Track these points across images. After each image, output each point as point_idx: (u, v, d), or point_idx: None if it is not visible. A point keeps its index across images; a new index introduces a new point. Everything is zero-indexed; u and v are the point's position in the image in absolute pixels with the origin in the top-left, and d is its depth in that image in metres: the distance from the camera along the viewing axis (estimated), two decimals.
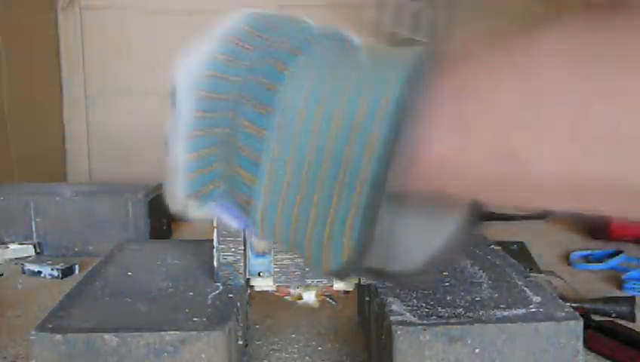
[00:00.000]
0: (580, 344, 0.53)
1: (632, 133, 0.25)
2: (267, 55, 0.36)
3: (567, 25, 0.28)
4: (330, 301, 0.67)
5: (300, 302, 0.74)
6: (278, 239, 0.36)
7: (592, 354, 0.70)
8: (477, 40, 0.31)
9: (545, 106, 0.26)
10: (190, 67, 0.38)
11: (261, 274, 0.64)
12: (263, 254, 0.64)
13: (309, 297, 0.67)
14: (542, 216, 1.36)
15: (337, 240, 0.32)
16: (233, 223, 0.40)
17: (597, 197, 0.27)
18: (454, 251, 0.35)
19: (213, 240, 0.64)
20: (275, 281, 0.64)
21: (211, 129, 0.37)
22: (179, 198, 0.40)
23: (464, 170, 0.29)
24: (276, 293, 0.66)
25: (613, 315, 0.79)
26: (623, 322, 0.77)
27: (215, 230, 0.63)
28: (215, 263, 0.64)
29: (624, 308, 0.80)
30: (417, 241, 0.34)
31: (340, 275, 0.34)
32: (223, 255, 0.64)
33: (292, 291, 0.66)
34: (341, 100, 0.31)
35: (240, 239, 0.63)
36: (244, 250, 0.64)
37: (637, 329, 0.75)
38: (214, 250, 0.64)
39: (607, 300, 0.82)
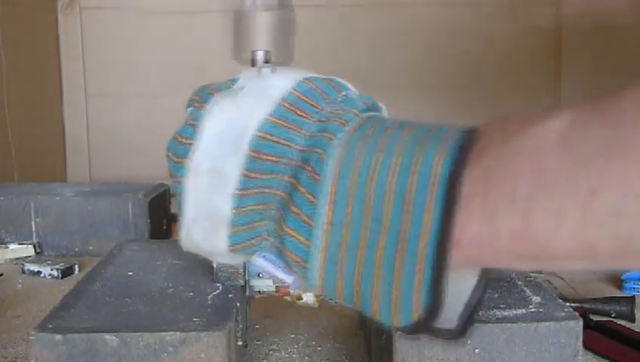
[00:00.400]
0: (580, 344, 0.54)
1: (636, 210, 0.29)
2: (323, 127, 0.38)
3: (567, 112, 0.32)
4: (331, 301, 0.67)
5: (299, 302, 0.74)
6: (339, 298, 0.38)
7: (591, 354, 0.70)
8: (493, 124, 0.34)
9: (557, 191, 0.30)
10: (232, 118, 0.39)
11: (260, 275, 0.64)
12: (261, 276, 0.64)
13: (309, 297, 0.66)
14: None
15: (406, 300, 0.34)
16: (279, 273, 0.42)
17: (610, 259, 0.31)
18: (479, 304, 0.37)
19: None
20: (274, 282, 0.64)
21: (261, 189, 0.38)
22: (220, 248, 0.40)
23: (493, 250, 0.32)
24: (275, 294, 0.66)
25: (612, 315, 0.79)
26: (622, 322, 0.77)
27: None
28: (214, 264, 0.64)
29: (624, 308, 0.80)
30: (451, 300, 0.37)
31: (411, 332, 0.36)
32: None
33: (292, 291, 0.66)
34: (392, 172, 0.34)
35: None
36: None
37: (636, 329, 0.75)
38: None
39: (607, 300, 0.82)
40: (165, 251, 0.75)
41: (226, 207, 0.39)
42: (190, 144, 0.40)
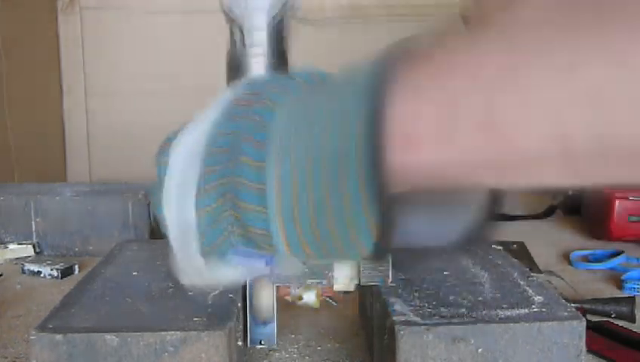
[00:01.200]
0: (583, 344, 0.53)
1: (619, 93, 0.25)
2: (259, 99, 0.39)
3: None
4: (331, 302, 0.67)
5: (300, 302, 0.74)
6: (308, 252, 0.37)
7: (590, 354, 0.70)
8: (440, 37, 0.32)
9: (530, 70, 0.26)
10: (188, 139, 0.40)
11: (262, 342, 0.62)
12: (264, 322, 0.62)
13: (310, 297, 0.66)
14: (542, 215, 1.36)
15: (362, 226, 0.34)
16: (258, 265, 0.41)
17: (587, 163, 0.27)
18: (473, 237, 0.37)
19: None
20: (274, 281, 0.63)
21: (217, 181, 0.38)
22: (196, 263, 0.41)
23: (456, 152, 0.29)
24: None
25: (612, 315, 0.79)
26: (621, 323, 0.77)
27: None
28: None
29: (624, 308, 0.80)
30: (433, 230, 0.36)
31: (379, 256, 0.36)
32: None
33: (292, 291, 0.65)
34: (326, 116, 0.34)
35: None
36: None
37: (635, 330, 0.75)
38: None
39: (607, 300, 0.81)
40: (165, 251, 0.75)
41: (191, 214, 0.39)
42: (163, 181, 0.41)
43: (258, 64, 0.55)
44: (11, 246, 1.06)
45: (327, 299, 0.66)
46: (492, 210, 0.37)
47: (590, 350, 0.70)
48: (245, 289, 0.61)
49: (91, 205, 1.08)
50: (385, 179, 0.31)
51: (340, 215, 0.34)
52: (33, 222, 1.08)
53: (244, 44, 0.56)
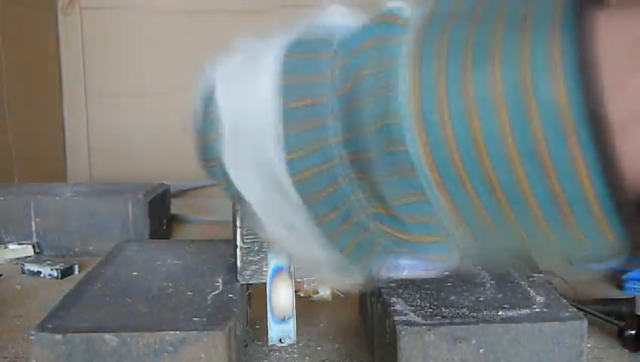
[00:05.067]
0: (584, 344, 0.53)
1: None
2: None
3: None
4: (339, 294, 0.67)
5: (315, 296, 0.73)
6: (484, 245, 0.30)
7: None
8: None
9: None
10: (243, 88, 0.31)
11: (282, 340, 0.62)
12: (284, 319, 0.62)
13: (325, 292, 0.66)
14: None
15: (594, 232, 0.28)
16: (419, 271, 0.34)
17: None
18: None
19: (236, 239, 0.62)
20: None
21: (319, 166, 0.30)
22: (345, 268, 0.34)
23: None
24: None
25: (613, 316, 0.79)
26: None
27: (238, 229, 0.62)
28: (239, 263, 0.63)
29: (624, 309, 0.80)
30: None
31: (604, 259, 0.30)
32: (247, 254, 0.62)
33: (306, 286, 0.65)
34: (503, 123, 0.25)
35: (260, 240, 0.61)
36: (266, 250, 0.62)
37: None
38: (237, 250, 0.62)
39: (607, 301, 0.81)
40: (165, 251, 0.75)
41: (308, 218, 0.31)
42: (218, 138, 0.33)
43: None
44: (11, 246, 1.06)
45: (336, 291, 0.66)
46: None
47: None
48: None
49: (91, 205, 1.08)
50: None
51: (560, 227, 0.27)
52: (33, 222, 1.08)
53: None
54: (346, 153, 0.29)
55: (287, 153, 0.30)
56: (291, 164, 0.30)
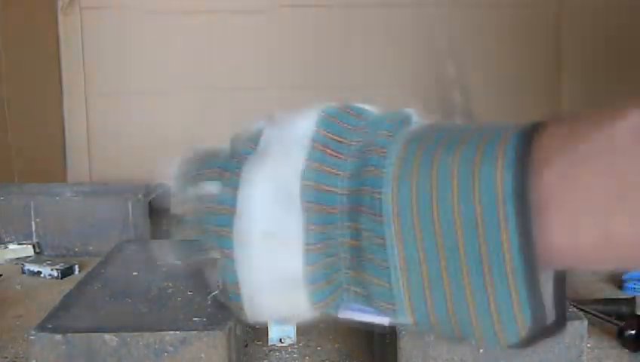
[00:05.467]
0: (584, 344, 0.53)
1: None
2: (362, 162, 0.36)
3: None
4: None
5: None
6: (437, 332, 0.36)
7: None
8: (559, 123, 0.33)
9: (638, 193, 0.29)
10: (271, 176, 0.37)
11: (282, 340, 0.62)
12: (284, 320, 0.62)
13: None
14: None
15: (509, 321, 0.33)
16: (372, 318, 0.39)
17: None
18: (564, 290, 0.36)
19: None
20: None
21: (327, 241, 0.36)
22: (302, 309, 0.38)
23: (575, 258, 0.32)
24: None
25: (613, 316, 0.79)
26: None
27: None
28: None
29: (624, 309, 0.80)
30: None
31: (523, 346, 0.35)
32: None
33: None
34: (453, 197, 0.33)
35: None
36: None
37: None
38: None
39: (608, 301, 0.81)
40: (165, 251, 0.75)
41: (297, 266, 0.36)
42: (230, 212, 0.38)
43: None
44: (11, 246, 1.06)
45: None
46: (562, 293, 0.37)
47: None
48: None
49: (91, 205, 1.08)
50: (538, 262, 0.31)
51: (485, 311, 0.33)
52: (33, 222, 1.08)
53: None
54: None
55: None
56: (307, 258, 0.37)
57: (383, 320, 0.38)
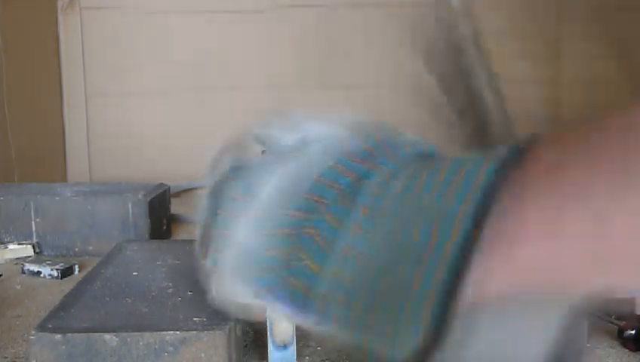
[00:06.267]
0: (585, 344, 0.53)
1: None
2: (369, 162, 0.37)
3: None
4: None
5: None
6: (335, 324, 0.35)
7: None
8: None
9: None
10: (296, 168, 0.38)
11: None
12: (284, 346, 0.61)
13: None
14: None
15: (414, 325, 0.32)
16: (284, 309, 0.38)
17: None
18: (576, 346, 0.36)
19: None
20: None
21: (303, 229, 0.36)
22: (246, 292, 0.38)
23: (557, 272, 0.32)
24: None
25: (613, 316, 0.79)
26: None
27: None
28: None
29: (624, 309, 0.80)
30: (515, 346, 0.34)
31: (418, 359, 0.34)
32: None
33: None
34: (418, 219, 0.33)
35: None
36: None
37: None
38: None
39: (608, 301, 0.81)
40: (165, 251, 0.75)
41: (257, 240, 0.37)
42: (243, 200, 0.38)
43: None
44: (11, 246, 1.06)
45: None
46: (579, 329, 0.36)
47: None
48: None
49: (91, 205, 1.08)
50: (465, 285, 0.31)
51: (400, 311, 0.32)
52: (33, 222, 1.08)
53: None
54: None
55: None
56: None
57: (287, 310, 0.37)
